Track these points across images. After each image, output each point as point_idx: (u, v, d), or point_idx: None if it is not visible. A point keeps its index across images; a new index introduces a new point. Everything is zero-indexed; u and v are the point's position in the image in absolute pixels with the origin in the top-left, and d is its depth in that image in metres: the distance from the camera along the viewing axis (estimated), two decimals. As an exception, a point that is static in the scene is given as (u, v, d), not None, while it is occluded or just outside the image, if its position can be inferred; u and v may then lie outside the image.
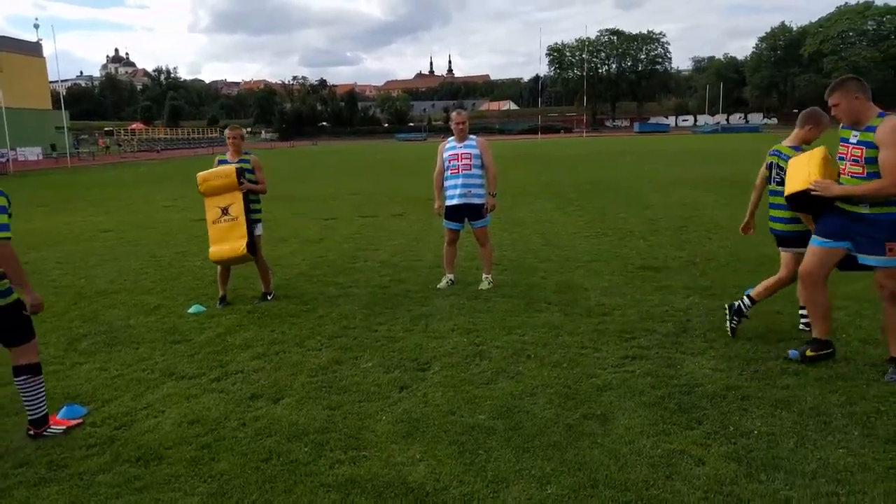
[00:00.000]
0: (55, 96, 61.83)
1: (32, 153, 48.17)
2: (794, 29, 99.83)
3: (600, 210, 12.52)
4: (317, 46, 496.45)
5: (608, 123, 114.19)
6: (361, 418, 3.81)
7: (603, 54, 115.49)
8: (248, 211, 6.26)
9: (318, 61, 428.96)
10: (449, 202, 6.65)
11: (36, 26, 59.36)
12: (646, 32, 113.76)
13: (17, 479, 3.27)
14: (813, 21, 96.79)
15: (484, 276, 6.79)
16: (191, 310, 6.21)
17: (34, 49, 56.56)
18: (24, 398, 3.78)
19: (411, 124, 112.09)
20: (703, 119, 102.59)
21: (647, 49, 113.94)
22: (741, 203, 12.93)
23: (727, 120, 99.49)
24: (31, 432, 3.76)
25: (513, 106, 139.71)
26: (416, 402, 4.00)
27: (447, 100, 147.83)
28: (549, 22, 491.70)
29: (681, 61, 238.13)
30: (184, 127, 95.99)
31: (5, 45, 50.85)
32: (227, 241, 6.17)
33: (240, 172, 6.22)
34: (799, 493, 2.91)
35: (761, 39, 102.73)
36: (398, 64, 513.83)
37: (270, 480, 3.17)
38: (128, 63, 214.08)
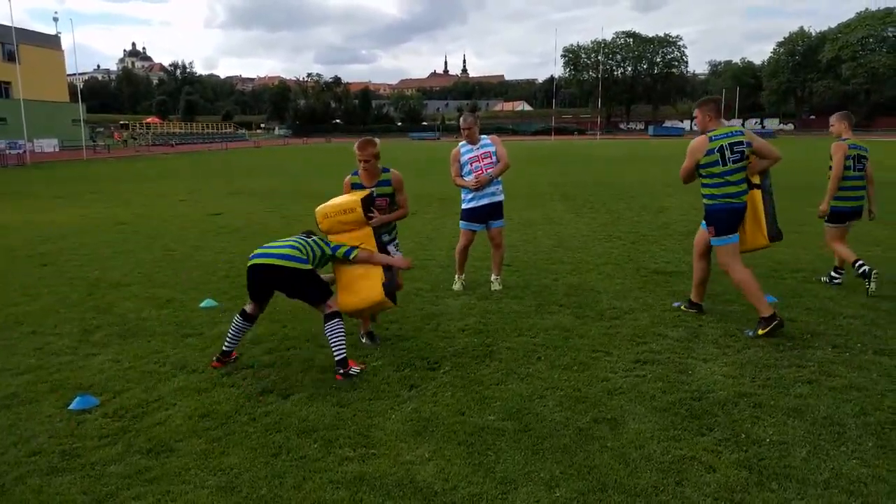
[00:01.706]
0: (72, 89, 62.51)
1: (49, 145, 48.65)
2: (813, 34, 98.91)
3: (613, 213, 12.47)
4: (332, 43, 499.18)
5: (622, 126, 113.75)
6: (371, 416, 3.82)
7: (619, 56, 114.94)
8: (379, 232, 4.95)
9: (333, 59, 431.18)
10: (476, 203, 6.55)
11: (55, 19, 60.04)
12: (662, 35, 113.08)
13: (30, 468, 3.30)
14: (832, 27, 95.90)
15: (494, 276, 6.77)
16: (203, 304, 6.24)
17: (53, 42, 57.19)
18: (332, 341, 4.44)
19: (424, 123, 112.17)
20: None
21: (663, 52, 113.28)
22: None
23: (743, 125, 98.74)
24: (341, 371, 4.40)
25: (527, 107, 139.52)
26: (425, 402, 4.00)
27: (461, 100, 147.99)
28: (566, 23, 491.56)
29: (697, 65, 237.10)
30: (199, 122, 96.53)
31: (25, 38, 51.36)
32: (360, 289, 4.75)
33: (368, 203, 4.85)
34: (811, 503, 2.88)
35: (779, 44, 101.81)
36: (413, 62, 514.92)
37: (280, 475, 3.18)
38: (144, 57, 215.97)
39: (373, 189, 5.01)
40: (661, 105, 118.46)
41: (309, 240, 4.69)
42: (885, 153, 36.34)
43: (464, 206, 6.66)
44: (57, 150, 48.89)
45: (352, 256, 4.68)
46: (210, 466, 3.28)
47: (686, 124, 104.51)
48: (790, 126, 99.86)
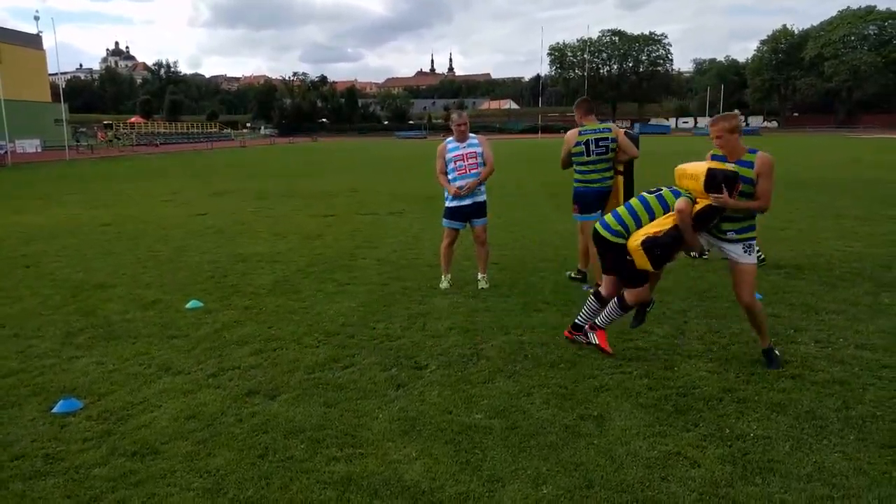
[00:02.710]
0: (54, 89, 61.81)
1: (31, 145, 48.09)
2: (796, 32, 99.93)
3: (599, 211, 12.51)
4: (318, 42, 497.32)
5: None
6: (358, 416, 3.81)
7: (604, 55, 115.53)
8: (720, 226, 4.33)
9: (318, 57, 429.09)
10: (458, 202, 6.56)
11: (36, 18, 59.29)
12: (648, 33, 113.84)
13: (13, 472, 3.27)
14: (815, 25, 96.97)
15: (480, 275, 6.77)
16: (188, 305, 6.20)
17: (34, 41, 56.49)
18: (604, 312, 4.72)
19: (411, 122, 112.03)
20: (704, 121, 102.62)
21: (648, 50, 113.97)
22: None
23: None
24: (572, 331, 4.89)
25: (513, 105, 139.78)
26: (412, 401, 4.00)
27: (448, 98, 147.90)
28: (552, 21, 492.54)
29: (682, 63, 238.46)
30: (183, 121, 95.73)
31: (5, 37, 50.77)
32: (643, 231, 4.39)
33: (714, 181, 4.15)
34: (794, 496, 2.92)
35: (763, 42, 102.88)
36: (399, 61, 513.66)
37: (266, 476, 3.17)
38: (128, 56, 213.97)
39: (733, 167, 4.21)
40: (647, 103, 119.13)
41: (651, 195, 4.49)
42: (867, 150, 36.77)
43: (447, 204, 6.68)
44: (39, 150, 48.35)
45: (680, 195, 4.30)
46: (196, 468, 3.26)
47: (672, 122, 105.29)
48: (774, 123, 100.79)
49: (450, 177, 6.57)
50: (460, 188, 6.44)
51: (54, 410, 3.93)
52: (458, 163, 6.51)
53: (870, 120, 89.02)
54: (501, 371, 4.45)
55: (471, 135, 6.62)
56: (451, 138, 6.65)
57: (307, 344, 5.09)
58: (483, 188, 6.65)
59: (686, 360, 4.56)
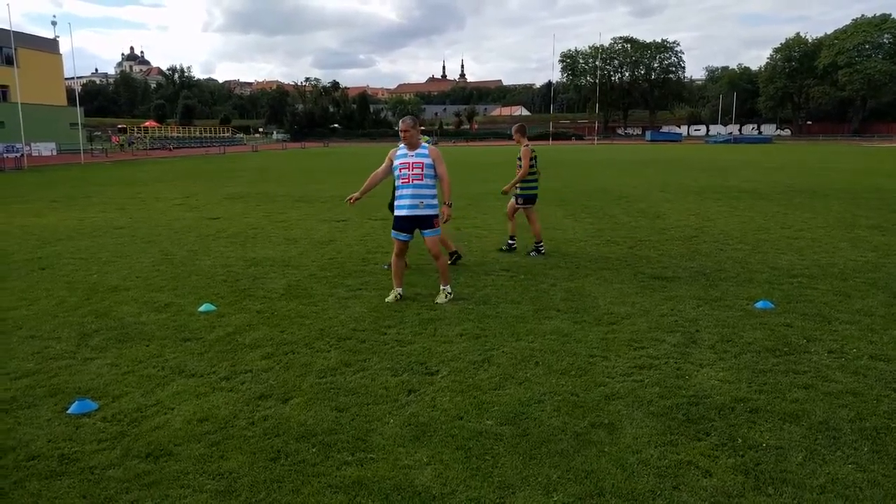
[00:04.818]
0: (70, 93, 62.52)
1: (47, 148, 48.62)
2: (810, 40, 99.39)
3: (611, 218, 12.50)
4: (330, 48, 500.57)
5: (620, 131, 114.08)
6: (369, 420, 3.83)
7: (616, 62, 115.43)
8: None
9: (331, 63, 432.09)
10: (399, 212, 6.32)
11: (53, 23, 60.15)
12: (660, 41, 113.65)
13: (29, 472, 3.30)
14: (829, 33, 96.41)
15: (441, 287, 6.52)
16: (201, 308, 6.25)
17: (51, 46, 57.21)
18: None
19: (423, 128, 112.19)
20: (716, 129, 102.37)
21: (660, 57, 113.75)
22: (753, 213, 12.93)
23: (740, 130, 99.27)
24: None
25: (524, 112, 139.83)
26: (423, 406, 4.01)
27: (459, 104, 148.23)
28: (564, 28, 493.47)
29: (694, 70, 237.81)
30: (196, 126, 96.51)
31: (23, 42, 51.37)
32: None
33: None
34: (806, 507, 2.90)
35: (776, 50, 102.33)
36: (411, 67, 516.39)
37: (278, 480, 3.19)
38: (142, 61, 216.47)
39: None
40: (659, 110, 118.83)
41: None
42: (881, 159, 36.47)
43: (395, 213, 6.46)
44: (54, 153, 48.86)
45: None
46: (208, 471, 3.29)
47: (683, 130, 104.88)
48: (787, 132, 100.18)
49: (396, 183, 6.43)
50: (441, 219, 6.33)
51: (69, 411, 3.97)
52: (402, 171, 6.26)
53: (884, 129, 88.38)
54: (512, 378, 4.45)
55: (424, 144, 6.39)
56: (402, 145, 6.41)
57: (319, 348, 5.11)
58: (433, 202, 6.35)
59: (698, 369, 4.55)
